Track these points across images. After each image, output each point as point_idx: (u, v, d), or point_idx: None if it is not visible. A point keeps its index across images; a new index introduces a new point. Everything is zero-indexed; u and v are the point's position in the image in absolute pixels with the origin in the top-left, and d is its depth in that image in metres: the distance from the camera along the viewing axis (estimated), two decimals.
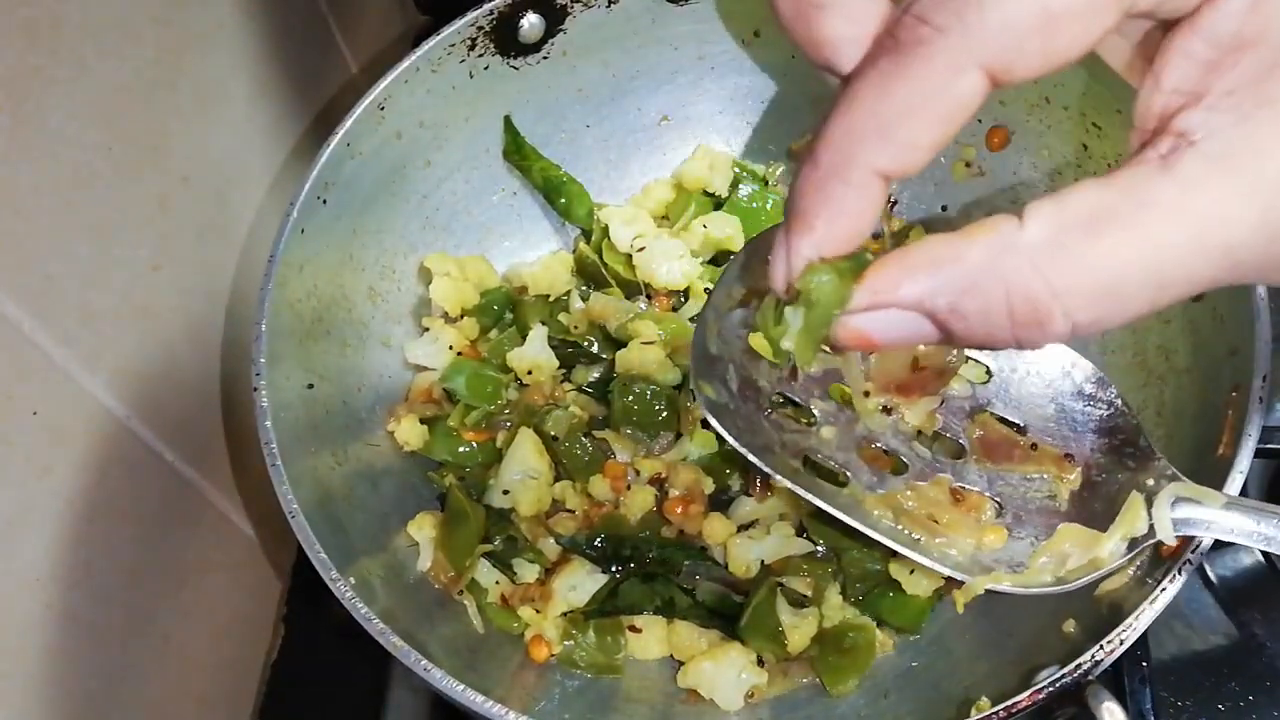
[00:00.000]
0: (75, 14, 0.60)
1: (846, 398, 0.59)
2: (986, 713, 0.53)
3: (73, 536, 0.62)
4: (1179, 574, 0.54)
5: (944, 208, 0.82)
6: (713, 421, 0.55)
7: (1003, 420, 0.58)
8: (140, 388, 0.67)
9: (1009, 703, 0.52)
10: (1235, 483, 0.55)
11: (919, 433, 0.59)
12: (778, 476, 0.57)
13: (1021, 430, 0.58)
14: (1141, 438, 0.56)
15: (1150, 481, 0.54)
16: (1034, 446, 0.57)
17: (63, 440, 0.62)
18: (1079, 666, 0.52)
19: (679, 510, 0.71)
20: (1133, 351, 0.71)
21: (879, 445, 0.59)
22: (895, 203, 0.84)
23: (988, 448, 0.58)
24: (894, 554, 0.69)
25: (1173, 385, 0.67)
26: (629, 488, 0.73)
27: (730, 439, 0.56)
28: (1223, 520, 0.51)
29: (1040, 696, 0.52)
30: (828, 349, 0.39)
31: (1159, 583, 0.54)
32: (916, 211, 0.83)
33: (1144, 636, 0.55)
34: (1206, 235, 0.32)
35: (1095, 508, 0.55)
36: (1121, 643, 0.53)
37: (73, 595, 0.62)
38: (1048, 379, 0.58)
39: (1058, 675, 0.52)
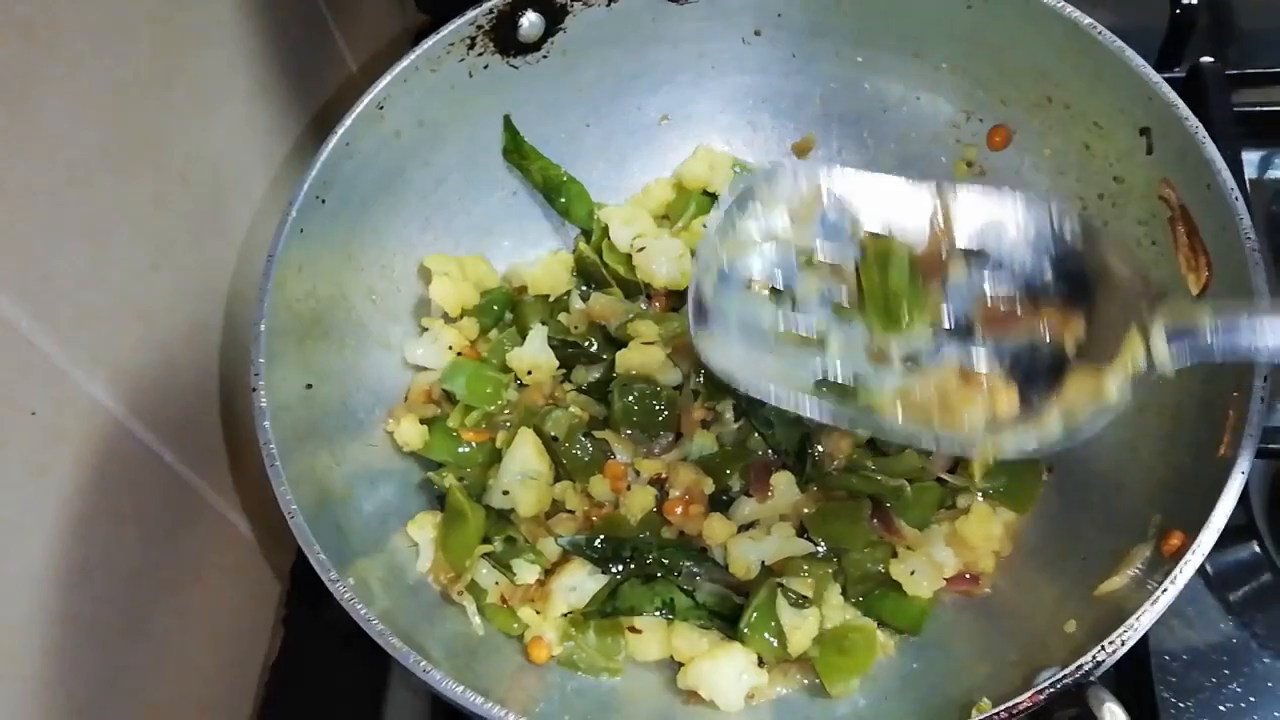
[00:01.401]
0: (72, 13, 0.60)
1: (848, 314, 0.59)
2: (987, 713, 0.53)
3: (71, 537, 0.62)
4: (1180, 575, 0.54)
5: None
6: (712, 362, 0.56)
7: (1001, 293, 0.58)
8: (138, 388, 0.67)
9: (1010, 704, 0.52)
10: (1236, 483, 0.55)
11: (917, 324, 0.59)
12: (785, 401, 0.57)
13: (1022, 294, 0.57)
14: (1134, 270, 0.55)
15: (1146, 313, 0.53)
16: (1035, 304, 0.57)
17: (61, 440, 0.61)
18: (1080, 667, 0.52)
19: (679, 510, 0.71)
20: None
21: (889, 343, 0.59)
22: None
23: (991, 320, 0.58)
24: (895, 555, 0.70)
25: (1174, 385, 0.66)
26: (629, 488, 0.73)
27: (730, 376, 0.56)
28: (1217, 335, 0.51)
29: (1041, 697, 0.52)
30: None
31: (1160, 584, 0.54)
32: None
33: (1145, 637, 0.55)
34: None
35: (1102, 353, 0.55)
36: (1123, 643, 0.53)
37: (71, 596, 0.62)
38: (1038, 234, 0.58)
39: (1059, 676, 0.52)
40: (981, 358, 0.57)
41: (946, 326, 0.58)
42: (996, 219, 0.58)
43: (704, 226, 0.60)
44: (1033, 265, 0.58)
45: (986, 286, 0.58)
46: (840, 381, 0.58)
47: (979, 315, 0.58)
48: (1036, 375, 0.56)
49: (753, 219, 0.59)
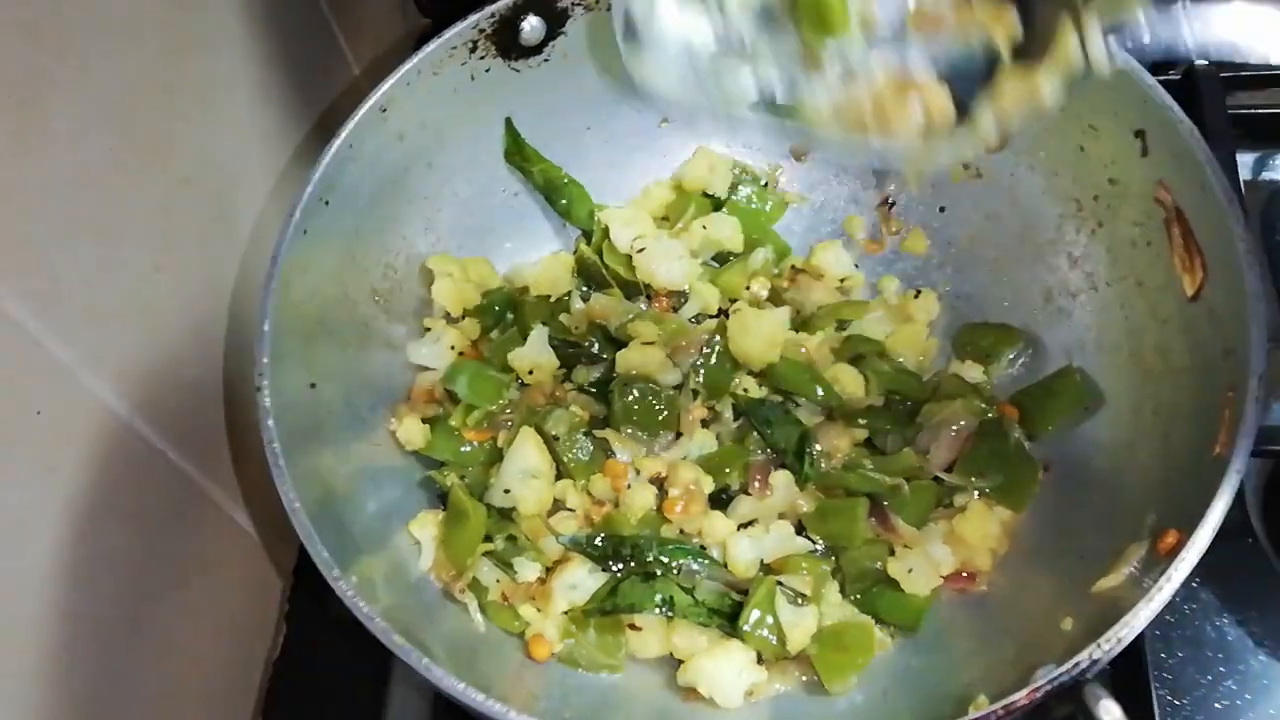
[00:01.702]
0: (78, 16, 0.61)
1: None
2: (985, 711, 0.53)
3: (76, 535, 0.62)
4: (1176, 573, 0.54)
5: (942, 209, 0.83)
6: (647, 83, 0.55)
7: None
8: (143, 387, 0.68)
9: (1007, 701, 0.53)
10: (1232, 482, 0.55)
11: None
12: (720, 115, 0.56)
13: None
14: None
15: (1080, 8, 0.51)
16: (967, 1, 0.54)
17: (66, 439, 0.62)
18: (1077, 665, 0.53)
19: (678, 509, 0.71)
20: (1129, 351, 0.71)
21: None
22: (894, 203, 0.84)
23: (923, 20, 0.55)
24: (892, 553, 0.70)
25: (1169, 385, 0.67)
26: (629, 487, 0.73)
27: (666, 96, 0.55)
28: (1148, 21, 0.50)
29: (1038, 695, 0.52)
30: None
31: (1156, 582, 0.54)
32: (914, 213, 0.84)
33: (1141, 635, 0.55)
34: None
35: (1036, 50, 0.53)
36: (1119, 641, 0.53)
37: (75, 593, 0.62)
38: None
39: (1056, 674, 0.53)
40: (914, 61, 0.55)
41: (878, 28, 0.55)
42: None
43: None
44: None
45: None
46: (775, 96, 0.56)
47: (910, 16, 0.55)
48: (970, 78, 0.54)
49: None
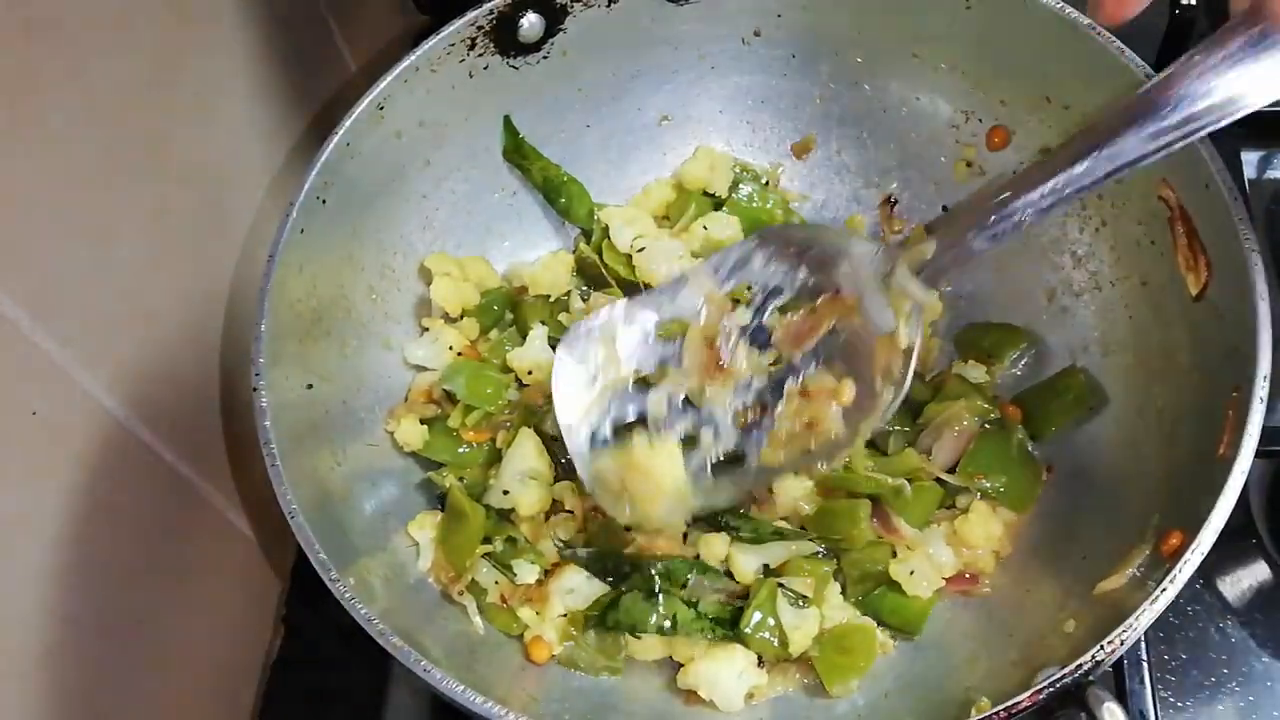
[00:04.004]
0: (74, 15, 0.60)
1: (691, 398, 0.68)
2: (987, 713, 0.53)
3: (72, 536, 0.62)
4: (1179, 575, 0.54)
5: (945, 207, 0.82)
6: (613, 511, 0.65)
7: (785, 308, 0.67)
8: (140, 388, 0.67)
9: (1009, 703, 0.52)
10: (1236, 483, 0.55)
11: (750, 379, 0.67)
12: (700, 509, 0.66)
13: (800, 299, 0.66)
14: (862, 241, 0.65)
15: (890, 269, 0.62)
16: (813, 307, 0.65)
17: (62, 440, 0.62)
18: (1079, 667, 0.52)
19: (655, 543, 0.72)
20: (1134, 352, 0.71)
21: (740, 405, 0.67)
22: (895, 203, 0.84)
23: (791, 337, 0.66)
24: (894, 555, 0.70)
25: (1174, 385, 0.67)
26: None
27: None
28: (942, 263, 0.61)
29: (1040, 697, 0.52)
30: None
31: (1159, 583, 0.54)
32: (917, 211, 0.83)
33: (1144, 636, 0.55)
34: None
35: (880, 315, 0.63)
36: (1122, 643, 0.53)
37: (72, 595, 0.62)
38: (776, 254, 0.67)
39: (1058, 676, 0.52)
40: (805, 366, 0.65)
41: (765, 362, 0.66)
42: (740, 259, 0.68)
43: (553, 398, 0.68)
44: (785, 277, 0.67)
45: (767, 313, 0.67)
46: (722, 458, 0.66)
47: (781, 341, 0.66)
48: (851, 358, 0.64)
49: (582, 366, 0.68)
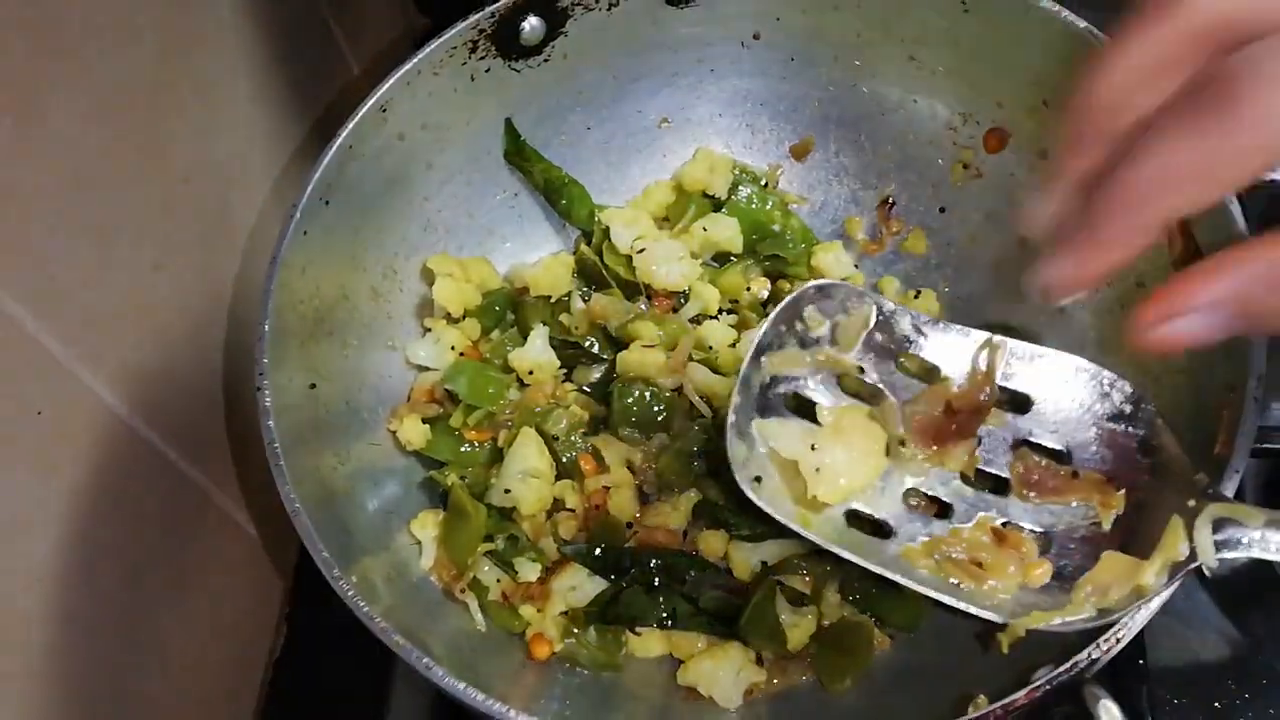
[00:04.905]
0: (77, 15, 0.61)
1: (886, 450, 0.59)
2: (984, 710, 0.53)
3: (75, 536, 0.62)
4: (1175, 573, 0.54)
5: (942, 209, 0.83)
6: (763, 505, 0.57)
7: (1043, 449, 0.58)
8: (143, 387, 0.68)
9: (1006, 701, 0.53)
10: (1232, 481, 0.55)
11: (961, 474, 0.59)
12: (822, 541, 0.57)
13: (1064, 458, 0.57)
14: (1181, 455, 0.54)
15: (1191, 502, 0.52)
16: (1075, 474, 0.56)
17: (66, 439, 0.62)
18: (1076, 665, 0.53)
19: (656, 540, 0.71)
20: (1129, 351, 0.71)
21: (922, 491, 0.59)
22: (894, 204, 0.84)
23: (1029, 481, 0.57)
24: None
25: (1169, 385, 0.67)
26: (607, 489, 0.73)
27: (778, 516, 0.57)
28: (1265, 538, 0.50)
29: (1037, 695, 0.52)
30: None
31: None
32: (914, 214, 0.84)
33: (1140, 635, 0.55)
34: None
35: (1140, 531, 0.54)
36: (1118, 641, 0.53)
37: (75, 594, 0.62)
38: (1086, 403, 0.57)
39: (1055, 674, 0.53)
40: (1018, 514, 0.57)
41: (980, 467, 0.58)
42: (1046, 375, 0.58)
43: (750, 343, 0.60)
44: (1077, 431, 0.57)
45: (1026, 441, 0.58)
46: (874, 517, 0.58)
47: (1015, 473, 0.57)
48: (1069, 547, 0.55)
49: (796, 333, 0.60)
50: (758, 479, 0.59)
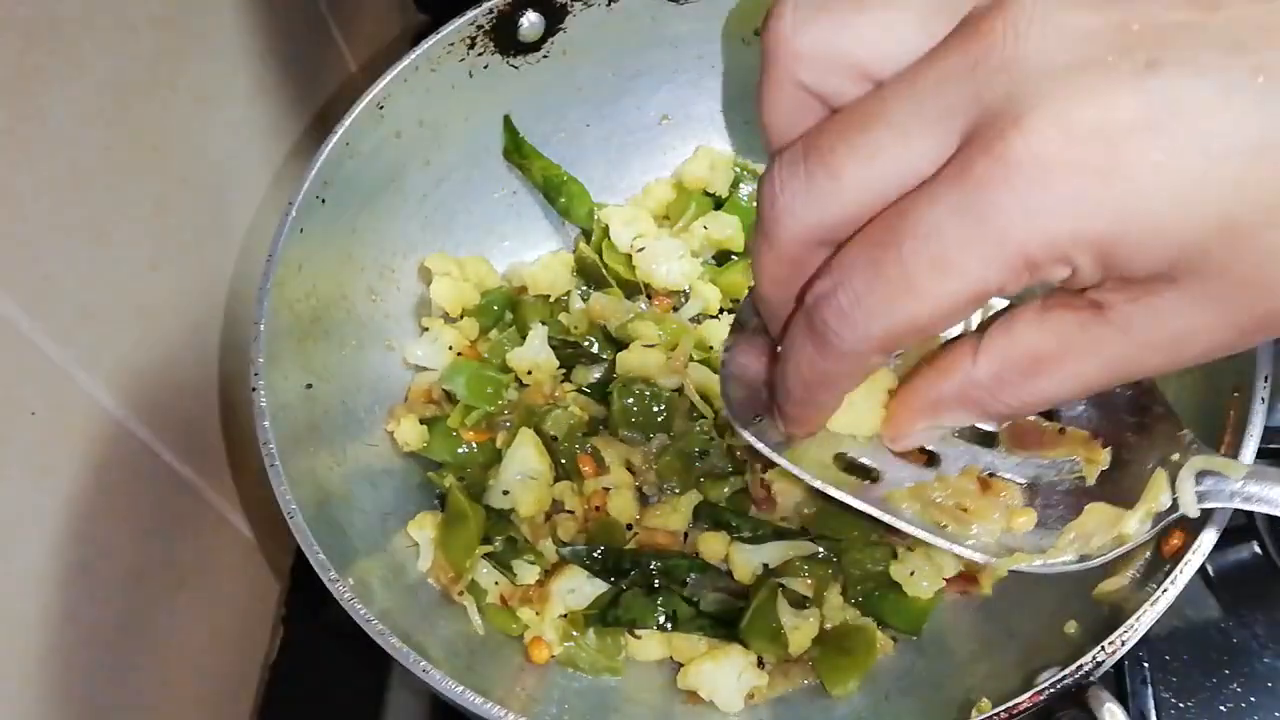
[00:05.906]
0: (74, 14, 0.60)
1: None
2: (988, 714, 0.52)
3: (70, 536, 0.62)
4: (1180, 575, 0.54)
5: None
6: (750, 439, 0.56)
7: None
8: (138, 387, 0.67)
9: (1010, 704, 0.52)
10: None
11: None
12: (808, 476, 0.56)
13: (1052, 414, 0.57)
14: (1169, 413, 0.55)
15: (1175, 456, 0.53)
16: (1062, 430, 0.57)
17: (61, 440, 0.61)
18: (1080, 668, 0.52)
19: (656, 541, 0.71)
20: None
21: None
22: None
23: (1017, 435, 0.58)
24: (895, 556, 0.70)
25: (1174, 385, 0.66)
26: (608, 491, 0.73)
27: (765, 450, 0.56)
28: (1246, 490, 0.50)
29: (1041, 697, 0.52)
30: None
31: (1160, 584, 0.54)
32: None
33: (1145, 637, 0.55)
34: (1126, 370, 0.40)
35: (1124, 485, 0.55)
36: (1123, 644, 0.53)
37: (70, 595, 0.62)
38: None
39: (1059, 676, 0.52)
40: (1005, 466, 0.57)
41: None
42: None
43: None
44: None
45: None
46: (863, 463, 0.58)
47: (1003, 428, 0.58)
48: (1053, 499, 0.56)
49: None
50: (758, 417, 0.57)
